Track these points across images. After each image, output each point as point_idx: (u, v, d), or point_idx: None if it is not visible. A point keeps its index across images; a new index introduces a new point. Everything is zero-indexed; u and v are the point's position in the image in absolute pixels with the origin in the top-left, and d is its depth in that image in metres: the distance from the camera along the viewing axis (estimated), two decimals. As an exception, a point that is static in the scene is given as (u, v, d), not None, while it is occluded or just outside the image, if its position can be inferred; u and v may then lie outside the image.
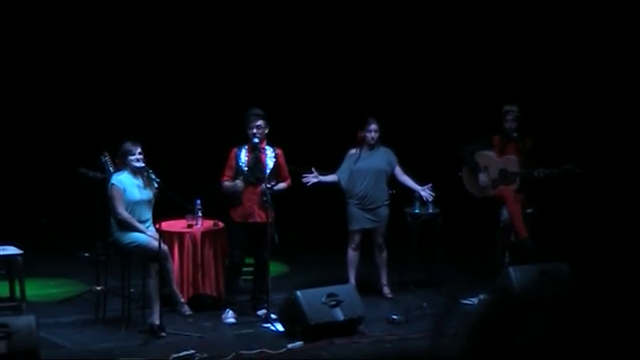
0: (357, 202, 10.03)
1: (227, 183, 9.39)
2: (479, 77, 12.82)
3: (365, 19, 13.41)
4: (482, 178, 10.54)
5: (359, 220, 10.07)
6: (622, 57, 12.00)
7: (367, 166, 10.03)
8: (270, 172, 9.39)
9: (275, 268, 10.00)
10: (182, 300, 9.27)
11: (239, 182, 9.32)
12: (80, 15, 13.17)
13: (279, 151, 9.51)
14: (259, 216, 9.37)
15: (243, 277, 9.77)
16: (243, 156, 9.40)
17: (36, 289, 10.18)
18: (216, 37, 13.66)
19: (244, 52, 13.71)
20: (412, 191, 10.24)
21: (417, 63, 13.28)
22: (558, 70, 12.36)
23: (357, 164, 10.04)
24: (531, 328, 1.68)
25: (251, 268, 9.71)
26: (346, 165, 10.11)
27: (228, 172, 9.40)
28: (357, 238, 10.11)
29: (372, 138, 10.05)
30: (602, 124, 12.02)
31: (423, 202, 10.51)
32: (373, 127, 10.05)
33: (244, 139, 9.43)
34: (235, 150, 9.43)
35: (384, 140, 10.22)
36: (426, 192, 10.12)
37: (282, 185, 9.49)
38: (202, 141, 13.02)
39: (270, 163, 9.43)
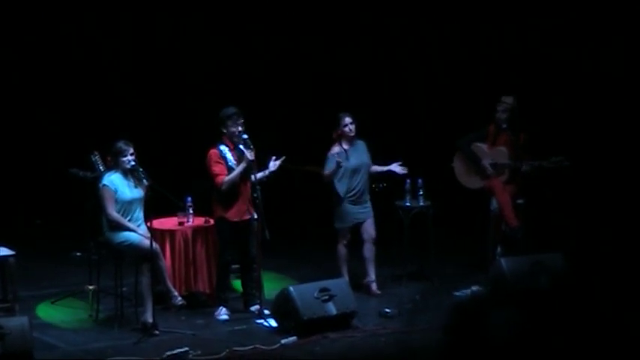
0: (351, 198, 10.02)
1: (230, 176, 9.31)
2: (472, 68, 12.82)
3: (361, 13, 13.44)
4: (486, 164, 10.55)
5: (352, 216, 10.06)
6: (621, 53, 12.01)
7: (359, 162, 10.02)
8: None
9: (267, 264, 9.99)
10: (176, 293, 9.26)
11: (249, 154, 9.24)
12: (70, 16, 13.17)
13: (252, 149, 9.41)
14: (251, 212, 9.37)
15: (233, 274, 9.78)
16: (229, 155, 9.35)
17: (29, 290, 10.17)
18: (205, 36, 13.66)
19: (233, 51, 13.72)
20: (385, 175, 10.20)
21: (408, 54, 13.29)
22: (555, 63, 12.37)
23: (349, 162, 10.00)
24: (506, 323, 1.69)
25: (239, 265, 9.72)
26: (329, 165, 10.05)
27: (223, 170, 9.31)
28: (348, 234, 10.11)
29: (351, 130, 10.02)
30: (595, 117, 12.04)
31: (414, 195, 10.53)
32: (348, 120, 10.02)
33: (217, 138, 9.38)
34: (216, 151, 9.37)
35: (377, 132, 10.22)
36: (397, 167, 10.09)
37: (260, 174, 9.43)
38: (192, 138, 13.01)
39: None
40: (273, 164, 9.40)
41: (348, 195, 10.03)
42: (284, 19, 13.56)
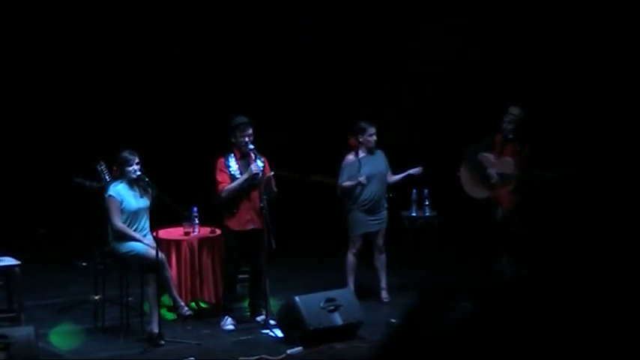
0: (363, 207, 10.02)
1: (231, 185, 9.33)
2: (479, 77, 12.80)
3: (361, 18, 13.43)
4: (492, 172, 10.53)
5: (363, 224, 10.06)
6: (623, 55, 11.98)
7: (373, 170, 10.03)
8: (260, 179, 9.37)
9: (273, 274, 9.98)
10: (182, 303, 9.26)
11: (254, 166, 9.27)
12: (75, 22, 13.19)
13: (264, 159, 9.49)
14: (256, 222, 9.38)
15: (241, 282, 9.78)
16: (233, 164, 9.39)
17: (34, 300, 10.16)
18: (210, 44, 13.67)
19: (239, 58, 13.73)
20: (405, 180, 10.19)
21: (412, 62, 13.27)
22: (558, 69, 12.34)
23: (362, 170, 10.00)
24: (450, 317, 1.66)
25: (247, 276, 9.72)
26: (350, 173, 10.05)
27: (225, 179, 9.37)
28: (358, 243, 10.11)
29: (373, 142, 10.04)
30: (601, 125, 11.99)
31: (420, 205, 10.53)
32: (373, 130, 10.04)
33: (228, 147, 9.42)
34: (222, 159, 9.42)
35: (382, 141, 10.23)
36: (415, 170, 10.10)
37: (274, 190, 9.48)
38: (198, 148, 13.03)
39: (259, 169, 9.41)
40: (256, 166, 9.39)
41: (361, 203, 10.03)
42: (288, 23, 13.56)
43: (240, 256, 9.52)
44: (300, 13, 13.53)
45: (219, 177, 9.39)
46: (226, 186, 9.35)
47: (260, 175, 9.33)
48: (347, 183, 10.00)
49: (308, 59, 13.64)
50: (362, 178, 9.91)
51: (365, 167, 10.01)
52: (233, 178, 9.36)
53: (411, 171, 10.13)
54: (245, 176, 9.31)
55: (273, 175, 9.46)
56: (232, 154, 9.42)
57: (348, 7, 13.44)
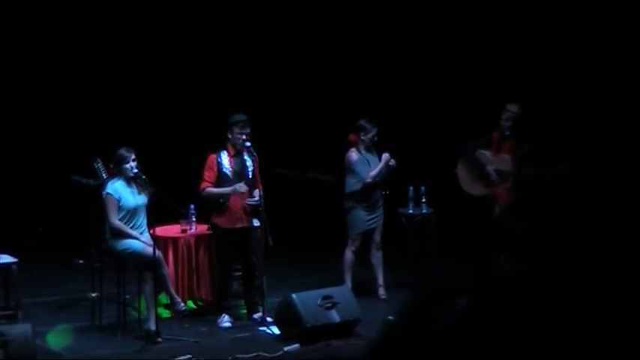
0: (366, 204, 10.02)
1: (212, 191, 9.32)
2: (477, 74, 12.80)
3: (361, 14, 13.43)
4: (490, 169, 10.52)
5: (364, 222, 10.06)
6: (622, 55, 11.98)
7: (376, 167, 10.03)
8: (252, 177, 9.37)
9: (272, 272, 9.97)
10: (179, 300, 9.26)
11: (239, 186, 9.26)
12: (73, 23, 13.18)
13: (255, 158, 9.46)
14: (244, 221, 9.36)
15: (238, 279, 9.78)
16: (225, 161, 9.37)
17: (31, 297, 10.15)
18: (207, 43, 13.67)
19: (236, 57, 13.72)
20: (387, 174, 10.18)
21: (411, 60, 13.28)
22: (556, 67, 12.34)
23: (370, 169, 10.00)
24: (447, 315, 1.66)
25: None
26: (363, 168, 10.04)
27: (210, 177, 9.34)
28: (358, 241, 10.12)
29: (374, 141, 10.05)
30: (599, 123, 12.00)
31: (417, 203, 10.53)
32: (375, 130, 10.05)
33: (221, 143, 9.40)
34: (214, 156, 9.40)
35: (379, 138, 10.26)
36: (384, 160, 10.08)
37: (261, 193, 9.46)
38: (195, 146, 13.01)
39: (250, 168, 9.41)
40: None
41: (365, 200, 10.02)
42: (285, 22, 13.56)
43: (230, 254, 9.50)
44: (300, 13, 13.52)
45: (206, 174, 9.38)
46: (208, 188, 9.33)
47: (243, 191, 9.30)
48: (374, 172, 9.98)
49: (308, 59, 13.63)
50: (391, 162, 9.92)
51: (372, 165, 10.03)
52: (222, 175, 9.33)
53: (381, 163, 10.07)
54: (228, 190, 9.28)
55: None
56: (225, 151, 9.40)
57: (348, 7, 13.43)
